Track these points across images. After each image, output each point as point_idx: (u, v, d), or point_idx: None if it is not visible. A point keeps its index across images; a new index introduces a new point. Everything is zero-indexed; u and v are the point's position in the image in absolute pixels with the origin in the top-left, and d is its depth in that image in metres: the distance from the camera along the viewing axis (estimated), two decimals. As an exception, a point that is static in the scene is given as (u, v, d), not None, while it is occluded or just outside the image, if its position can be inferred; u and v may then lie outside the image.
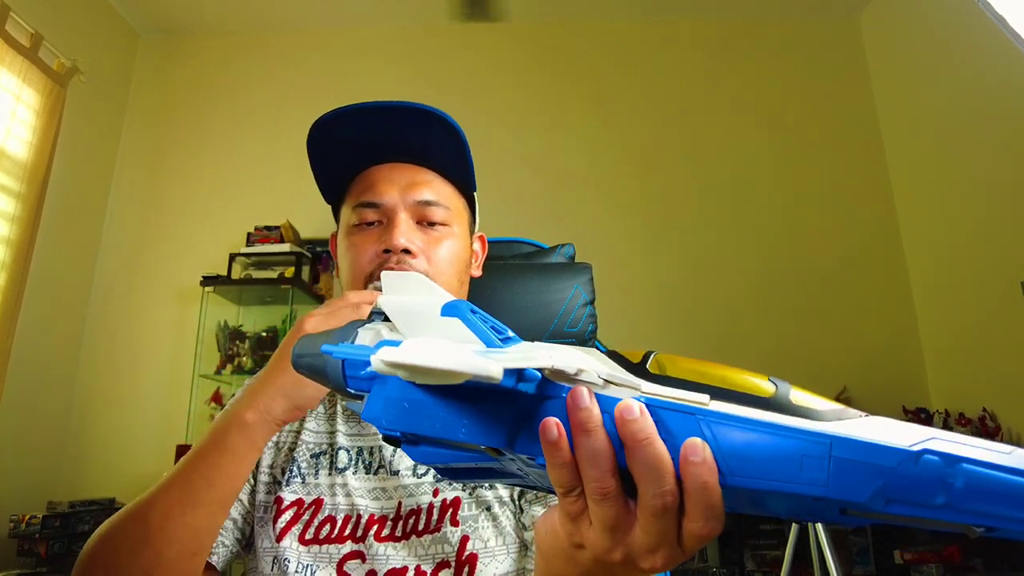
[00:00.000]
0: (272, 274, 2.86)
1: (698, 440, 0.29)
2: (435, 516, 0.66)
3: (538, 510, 0.65)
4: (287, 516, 0.68)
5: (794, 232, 3.14)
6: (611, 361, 0.34)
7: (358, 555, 0.65)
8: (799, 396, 0.30)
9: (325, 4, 3.29)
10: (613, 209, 3.17)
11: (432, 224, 0.70)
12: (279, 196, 3.08)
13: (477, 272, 0.80)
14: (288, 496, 0.69)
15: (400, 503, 0.67)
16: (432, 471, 0.68)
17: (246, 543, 0.71)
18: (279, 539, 0.66)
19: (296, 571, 0.65)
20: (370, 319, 0.43)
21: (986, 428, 2.52)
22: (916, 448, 0.26)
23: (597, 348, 0.89)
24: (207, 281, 2.87)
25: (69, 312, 2.91)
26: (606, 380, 0.32)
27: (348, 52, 3.41)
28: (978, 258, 2.66)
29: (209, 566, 0.67)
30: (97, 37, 3.10)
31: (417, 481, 0.68)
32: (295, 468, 0.71)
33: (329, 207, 0.80)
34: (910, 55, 3.08)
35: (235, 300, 2.99)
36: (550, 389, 0.32)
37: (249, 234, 2.99)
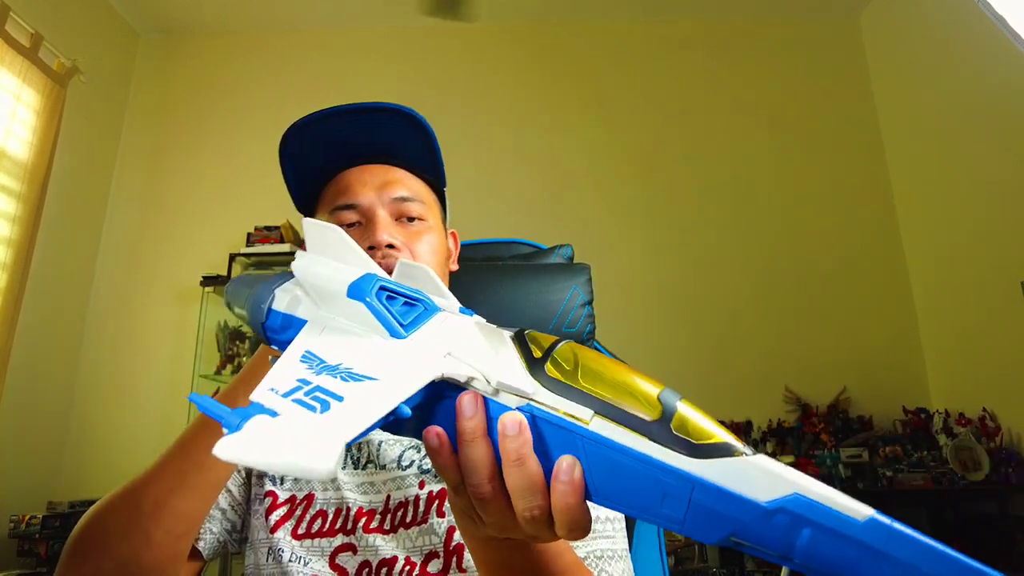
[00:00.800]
0: (272, 274, 2.85)
1: (569, 460, 0.31)
2: (422, 508, 0.67)
3: None
4: (281, 511, 0.70)
5: (794, 232, 3.14)
6: (511, 347, 0.34)
7: (349, 547, 0.67)
8: (683, 421, 0.29)
9: (325, 4, 3.29)
10: (613, 209, 3.17)
11: (411, 219, 0.71)
12: (279, 196, 3.05)
13: (453, 267, 0.81)
14: (282, 493, 0.71)
15: (389, 496, 0.69)
16: (415, 463, 0.70)
17: (238, 535, 0.73)
18: (272, 531, 0.68)
19: (290, 560, 0.66)
20: (291, 276, 0.44)
21: (986, 428, 2.52)
22: (771, 506, 0.27)
23: (597, 349, 0.89)
24: (207, 281, 2.87)
25: (69, 312, 2.91)
26: (496, 388, 0.33)
27: (348, 52, 3.41)
28: (978, 258, 2.65)
29: (195, 551, 0.68)
30: (97, 37, 3.10)
31: (402, 473, 0.70)
32: None
33: None
34: (910, 55, 3.08)
35: (235, 300, 2.99)
36: (447, 389, 0.34)
37: (249, 234, 2.99)
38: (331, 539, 0.67)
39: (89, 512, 0.62)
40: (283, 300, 0.42)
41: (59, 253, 2.80)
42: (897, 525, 0.25)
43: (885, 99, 3.27)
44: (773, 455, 2.68)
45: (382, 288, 0.37)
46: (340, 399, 0.30)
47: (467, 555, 0.65)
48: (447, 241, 0.77)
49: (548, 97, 3.34)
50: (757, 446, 2.75)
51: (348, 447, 0.28)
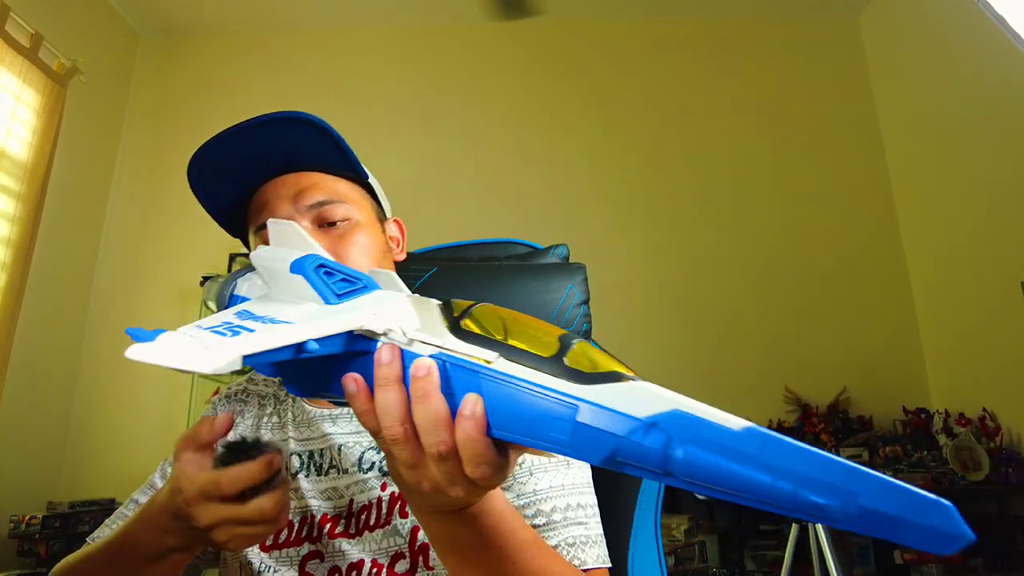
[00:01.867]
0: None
1: (472, 396, 0.33)
2: (384, 510, 0.67)
3: None
4: None
5: (794, 232, 3.14)
6: (436, 312, 0.37)
7: (317, 554, 0.66)
8: (577, 356, 0.32)
9: (325, 4, 3.29)
10: (613, 209, 3.17)
11: (333, 224, 0.70)
12: (279, 196, 3.08)
13: (400, 256, 0.79)
14: None
15: (352, 500, 0.68)
16: (376, 465, 0.70)
17: (212, 554, 0.73)
18: None
19: (260, 571, 0.66)
20: (252, 269, 0.48)
21: (986, 428, 2.51)
22: (648, 420, 0.28)
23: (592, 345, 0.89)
24: (207, 280, 2.87)
25: (69, 312, 2.92)
26: (411, 338, 0.36)
27: (348, 52, 3.41)
28: (978, 258, 2.65)
29: None
30: (97, 37, 3.11)
31: (364, 476, 0.69)
32: None
33: None
34: (910, 55, 3.08)
35: (235, 300, 2.99)
36: (365, 344, 0.37)
37: (249, 234, 2.99)
38: (298, 548, 0.67)
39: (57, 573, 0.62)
40: (243, 287, 0.46)
41: (59, 253, 2.80)
42: (774, 433, 0.26)
43: (885, 99, 3.26)
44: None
45: (321, 266, 0.41)
46: (251, 331, 0.33)
47: (433, 553, 0.64)
48: (383, 233, 0.76)
49: (547, 97, 3.34)
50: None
51: (250, 363, 0.31)
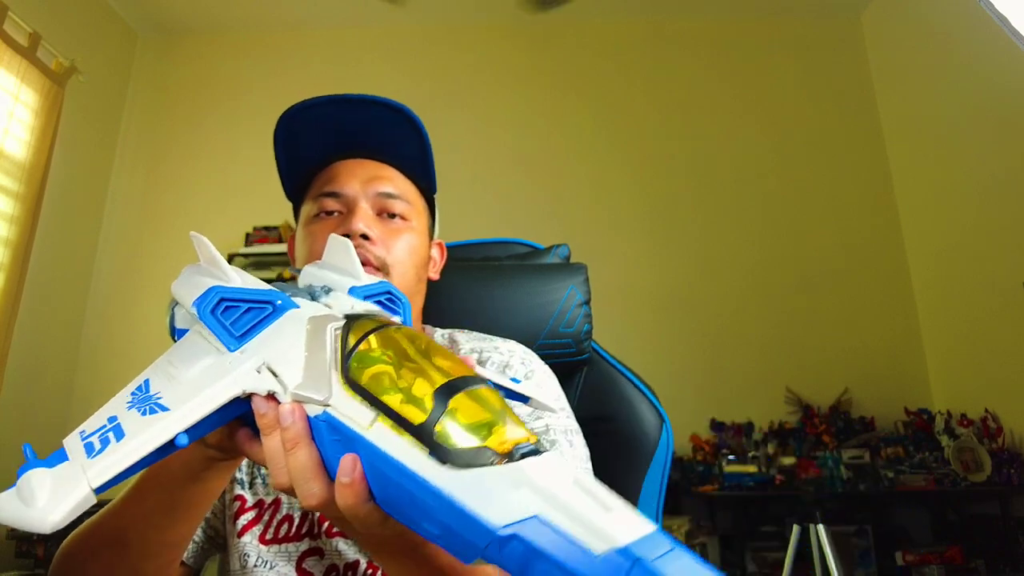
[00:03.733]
0: (271, 274, 2.85)
1: (349, 458, 0.30)
2: None
3: None
4: (249, 516, 0.69)
5: (795, 232, 3.13)
6: (331, 345, 0.34)
7: (316, 551, 0.66)
8: (448, 423, 0.27)
9: (325, 4, 3.29)
10: (613, 209, 3.16)
11: (392, 216, 0.71)
12: (278, 196, 3.01)
13: (435, 276, 0.80)
14: (250, 497, 0.71)
15: None
16: None
17: (222, 541, 0.72)
18: (239, 535, 0.68)
19: (256, 565, 0.66)
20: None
21: (988, 429, 2.51)
22: (505, 533, 0.24)
23: (594, 349, 0.88)
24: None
25: (67, 313, 2.91)
26: (295, 395, 0.33)
27: (348, 52, 3.40)
28: (980, 259, 2.64)
29: (182, 563, 0.68)
30: (95, 36, 3.10)
31: None
32: (256, 470, 0.72)
33: None
34: (912, 55, 3.07)
35: (234, 300, 2.98)
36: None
37: (248, 234, 2.98)
38: (297, 543, 0.67)
39: (68, 544, 0.60)
40: (179, 317, 0.44)
41: (57, 253, 2.80)
42: (652, 563, 0.21)
43: (887, 99, 3.26)
44: (774, 456, 2.68)
45: (222, 300, 0.37)
46: (121, 436, 0.31)
47: None
48: (429, 248, 0.76)
49: (548, 96, 3.33)
50: (758, 447, 2.74)
51: (99, 491, 0.29)
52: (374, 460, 0.29)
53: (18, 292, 2.45)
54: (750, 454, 2.67)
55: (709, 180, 3.21)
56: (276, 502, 0.70)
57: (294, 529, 0.68)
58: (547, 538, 0.23)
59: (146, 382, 0.36)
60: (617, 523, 0.22)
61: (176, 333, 0.44)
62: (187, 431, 0.31)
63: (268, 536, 0.68)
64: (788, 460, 2.62)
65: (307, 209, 0.74)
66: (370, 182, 0.71)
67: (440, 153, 0.74)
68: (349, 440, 0.30)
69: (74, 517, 0.27)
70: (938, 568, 2.33)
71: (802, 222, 3.14)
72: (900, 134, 3.18)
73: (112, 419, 0.32)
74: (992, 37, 2.38)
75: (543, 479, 0.24)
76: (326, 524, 0.67)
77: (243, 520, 0.69)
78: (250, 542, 0.67)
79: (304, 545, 0.67)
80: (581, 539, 0.22)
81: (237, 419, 0.36)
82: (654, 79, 3.37)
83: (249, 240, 2.95)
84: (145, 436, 0.31)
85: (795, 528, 1.84)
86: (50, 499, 0.28)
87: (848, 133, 3.27)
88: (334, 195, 0.71)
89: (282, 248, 2.87)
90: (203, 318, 0.36)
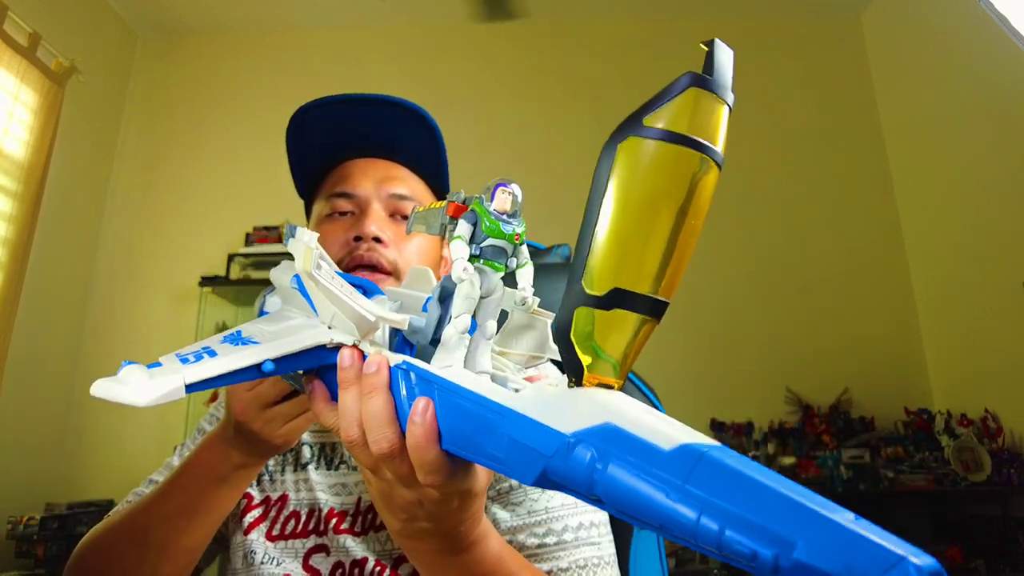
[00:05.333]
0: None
1: (422, 400, 0.32)
2: None
3: (496, 510, 0.64)
4: (255, 513, 0.69)
5: (796, 232, 3.13)
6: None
7: (323, 548, 0.66)
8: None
9: (325, 4, 3.29)
10: (613, 209, 3.16)
11: (405, 217, 0.71)
12: (278, 196, 3.05)
13: None
14: (256, 495, 0.71)
15: (359, 498, 0.68)
16: None
17: (224, 541, 0.73)
18: (246, 533, 0.68)
19: (262, 562, 0.66)
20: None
21: (988, 429, 2.51)
22: (573, 437, 0.25)
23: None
24: (205, 282, 2.86)
25: (67, 312, 2.91)
26: (376, 349, 0.36)
27: (348, 52, 3.40)
28: (980, 258, 2.64)
29: None
30: (95, 36, 3.10)
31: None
32: (263, 467, 0.71)
33: None
34: (912, 55, 3.07)
35: (233, 301, 2.98)
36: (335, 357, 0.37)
37: (248, 234, 2.98)
38: (304, 540, 0.67)
39: (88, 542, 0.62)
40: (269, 302, 0.48)
41: (57, 253, 2.79)
42: (718, 454, 0.21)
43: (887, 99, 3.26)
44: (774, 456, 2.67)
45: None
46: (214, 355, 0.34)
47: None
48: (441, 248, 0.76)
49: (547, 96, 3.33)
50: (758, 447, 2.74)
51: (194, 390, 0.32)
52: (448, 395, 0.31)
53: (17, 292, 2.45)
54: (750, 454, 2.67)
55: (709, 180, 3.20)
56: (282, 499, 0.70)
57: (301, 526, 0.68)
58: (614, 438, 0.24)
59: (238, 331, 0.39)
60: (683, 431, 0.23)
61: (261, 315, 0.48)
62: (275, 360, 0.34)
63: (275, 532, 0.68)
64: (788, 460, 2.62)
65: (319, 208, 0.74)
66: (383, 183, 0.71)
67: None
68: (426, 383, 0.33)
69: (164, 401, 0.31)
70: (938, 568, 2.33)
71: (802, 222, 3.14)
72: (900, 134, 3.17)
73: (206, 347, 0.36)
74: (992, 37, 2.38)
75: (606, 397, 0.26)
76: (333, 521, 0.67)
77: (250, 517, 0.69)
78: (256, 539, 0.67)
79: (311, 542, 0.67)
80: (648, 437, 0.23)
81: (312, 373, 0.40)
82: (654, 78, 3.32)
83: (249, 240, 2.95)
84: (237, 356, 0.34)
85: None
86: (147, 384, 0.31)
87: (848, 133, 3.27)
88: (347, 195, 0.71)
89: (282, 248, 2.86)
90: (300, 290, 0.40)
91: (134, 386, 0.31)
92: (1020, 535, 2.34)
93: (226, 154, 3.24)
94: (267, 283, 0.48)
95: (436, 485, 0.34)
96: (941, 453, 2.56)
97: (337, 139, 0.72)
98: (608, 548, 0.63)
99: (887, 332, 2.99)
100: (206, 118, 3.30)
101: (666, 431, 0.23)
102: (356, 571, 0.64)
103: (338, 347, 0.37)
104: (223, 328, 2.88)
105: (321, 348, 0.36)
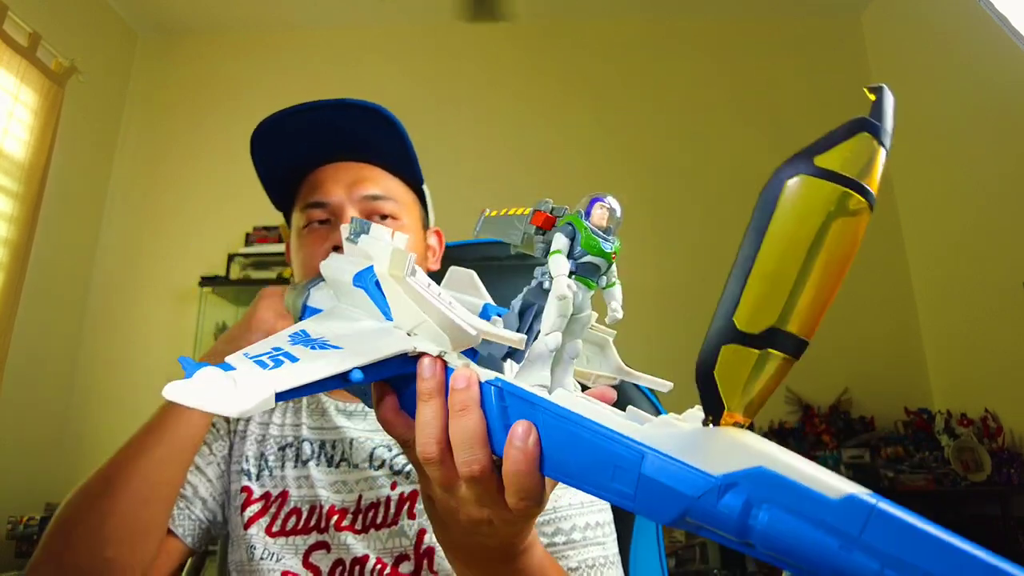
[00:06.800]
0: (271, 274, 2.85)
1: (524, 424, 0.30)
2: (392, 509, 0.67)
3: None
4: (255, 508, 0.69)
5: (795, 232, 3.12)
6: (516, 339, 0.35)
7: (323, 545, 0.66)
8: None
9: (325, 4, 3.29)
10: (613, 209, 3.15)
11: (383, 217, 0.71)
12: (278, 196, 3.08)
13: (435, 266, 0.80)
14: (257, 489, 0.71)
15: (360, 496, 0.68)
16: (387, 463, 0.70)
17: (221, 528, 0.73)
18: (246, 527, 0.68)
19: (262, 557, 0.66)
20: (322, 279, 0.47)
21: (988, 428, 2.51)
22: (724, 480, 0.24)
23: None
24: (205, 281, 2.86)
25: (67, 312, 2.91)
26: (464, 363, 0.34)
27: (348, 52, 3.40)
28: (980, 258, 2.64)
29: (173, 536, 0.68)
30: (95, 36, 3.10)
31: (374, 473, 0.69)
32: (263, 462, 0.72)
33: None
34: (912, 55, 3.07)
35: (233, 301, 2.98)
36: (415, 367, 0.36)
37: (248, 234, 2.98)
38: (305, 537, 0.67)
39: (63, 509, 0.63)
40: (315, 297, 0.46)
41: (57, 253, 2.79)
42: (885, 506, 0.22)
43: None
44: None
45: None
46: (295, 360, 0.32)
47: (438, 559, 0.64)
48: (425, 240, 0.77)
49: (547, 96, 3.33)
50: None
51: (284, 399, 0.30)
52: (559, 421, 0.29)
53: (17, 292, 2.45)
54: (750, 454, 2.67)
55: (709, 179, 3.20)
56: (283, 494, 0.70)
57: (302, 522, 0.68)
58: (771, 484, 0.23)
59: (303, 331, 0.36)
60: (840, 480, 0.23)
61: (307, 311, 0.46)
62: (362, 368, 0.32)
63: (275, 528, 0.68)
64: (788, 460, 2.62)
65: (296, 219, 0.73)
66: (354, 185, 0.70)
67: (440, 152, 0.75)
68: (528, 405, 0.31)
69: (256, 412, 0.29)
70: (938, 568, 2.33)
71: (802, 222, 3.14)
72: (900, 134, 3.13)
73: (277, 349, 0.33)
74: (992, 37, 2.38)
75: (752, 440, 0.25)
76: (334, 518, 0.67)
77: (250, 512, 0.69)
78: (256, 534, 0.67)
79: (311, 539, 0.67)
80: (811, 485, 0.22)
81: (385, 383, 0.38)
82: (654, 78, 3.37)
83: (249, 240, 2.95)
84: (323, 363, 0.32)
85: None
86: (233, 391, 0.29)
87: (848, 133, 3.26)
88: (320, 204, 0.70)
89: (282, 248, 2.87)
90: (367, 290, 0.38)
91: (219, 392, 0.29)
92: (1020, 535, 2.34)
93: (226, 154, 3.23)
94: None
95: (524, 509, 0.33)
96: (941, 453, 2.56)
97: (301, 149, 0.72)
98: (612, 548, 0.64)
99: (887, 332, 2.99)
100: (206, 118, 3.30)
101: (825, 479, 0.23)
102: (357, 569, 0.64)
103: (418, 356, 0.35)
104: (223, 328, 2.89)
105: (403, 356, 0.34)
